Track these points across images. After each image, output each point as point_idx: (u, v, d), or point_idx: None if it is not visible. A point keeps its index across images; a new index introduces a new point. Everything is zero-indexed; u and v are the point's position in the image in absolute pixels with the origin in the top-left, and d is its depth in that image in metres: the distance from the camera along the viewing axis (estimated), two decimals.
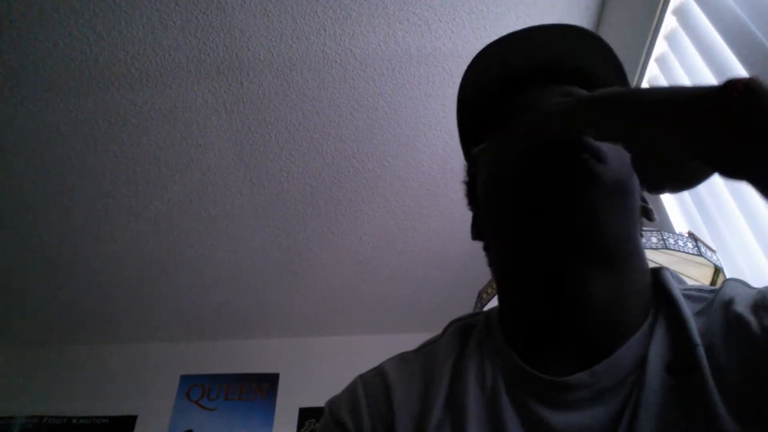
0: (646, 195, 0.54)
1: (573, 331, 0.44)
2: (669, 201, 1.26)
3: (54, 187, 1.96)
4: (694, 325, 0.41)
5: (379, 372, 0.52)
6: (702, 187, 1.08)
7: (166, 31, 1.55)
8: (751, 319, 0.39)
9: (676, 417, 0.37)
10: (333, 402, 0.52)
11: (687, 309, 0.43)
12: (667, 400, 0.38)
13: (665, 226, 1.22)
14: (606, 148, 0.44)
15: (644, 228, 1.02)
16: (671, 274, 0.50)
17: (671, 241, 0.91)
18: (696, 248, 0.93)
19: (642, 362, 0.41)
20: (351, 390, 0.51)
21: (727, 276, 0.97)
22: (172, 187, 2.01)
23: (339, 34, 1.60)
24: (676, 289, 0.46)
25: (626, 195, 0.45)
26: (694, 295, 0.47)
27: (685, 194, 1.17)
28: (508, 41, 0.53)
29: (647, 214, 0.51)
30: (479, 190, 0.54)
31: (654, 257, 1.05)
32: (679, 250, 0.91)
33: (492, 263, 0.53)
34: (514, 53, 0.53)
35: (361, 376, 0.53)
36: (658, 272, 0.50)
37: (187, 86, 1.70)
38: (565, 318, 0.45)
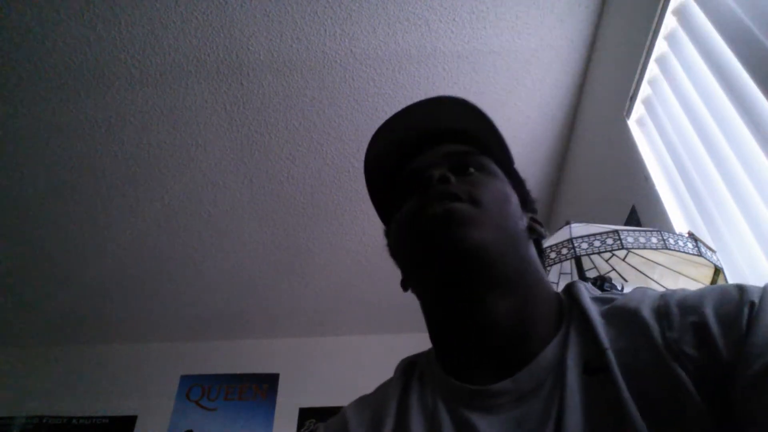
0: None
1: (489, 347, 0.49)
2: (669, 201, 1.26)
3: (54, 187, 1.96)
4: (602, 329, 0.45)
5: (340, 415, 0.58)
6: (702, 187, 1.09)
7: (166, 31, 1.56)
8: (654, 325, 0.43)
9: (596, 414, 0.40)
10: None
11: (595, 315, 0.47)
12: (587, 399, 0.42)
13: (665, 226, 1.22)
14: (482, 192, 0.51)
15: (645, 228, 1.02)
16: (584, 285, 0.54)
17: (671, 241, 0.91)
18: (696, 248, 0.93)
19: (559, 366, 0.45)
20: None
21: (728, 276, 0.97)
22: (172, 187, 2.01)
23: (339, 34, 1.60)
24: (586, 298, 0.51)
25: (503, 226, 0.51)
26: (604, 297, 0.51)
27: (685, 194, 1.17)
28: (396, 119, 0.59)
29: (536, 234, 0.57)
30: (393, 251, 0.62)
31: (654, 257, 1.05)
32: (679, 250, 0.91)
33: (414, 289, 0.60)
34: (400, 128, 0.60)
35: (325, 422, 0.59)
36: (570, 285, 0.55)
37: (187, 86, 1.70)
38: (478, 338, 0.50)
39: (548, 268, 1.02)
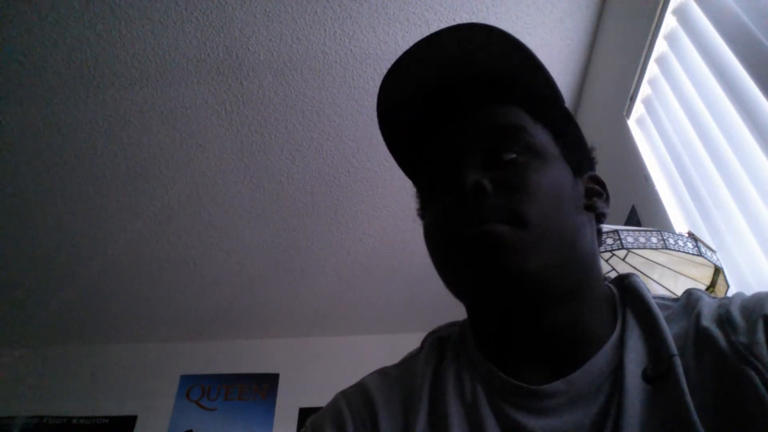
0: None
1: (541, 349, 0.45)
2: (669, 201, 1.26)
3: (54, 187, 1.96)
4: (670, 335, 0.42)
5: (360, 387, 0.52)
6: (702, 187, 1.09)
7: (166, 31, 1.55)
8: (718, 333, 0.40)
9: (655, 423, 0.38)
10: (315, 419, 0.51)
11: (663, 319, 0.44)
12: (646, 406, 0.39)
13: (665, 226, 1.22)
14: (528, 201, 0.42)
15: (645, 228, 1.01)
16: (641, 281, 0.50)
17: (671, 241, 0.91)
18: (696, 248, 0.93)
19: (617, 369, 0.42)
20: (334, 406, 0.51)
21: (728, 276, 0.97)
22: (172, 187, 2.01)
23: (339, 34, 1.60)
24: (651, 299, 0.46)
25: (558, 238, 0.43)
26: (661, 303, 0.47)
27: (685, 194, 1.17)
28: (410, 56, 0.49)
29: (595, 210, 0.49)
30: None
31: (654, 257, 1.05)
32: (679, 250, 0.91)
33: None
34: (422, 68, 0.49)
35: (343, 392, 0.53)
36: (625, 278, 0.50)
37: (187, 86, 1.70)
38: (529, 342, 0.46)
39: (603, 244, 0.93)
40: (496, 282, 0.42)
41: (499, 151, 0.46)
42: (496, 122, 0.47)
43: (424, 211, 0.51)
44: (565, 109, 0.52)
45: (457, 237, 0.43)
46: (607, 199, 0.51)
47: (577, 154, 0.50)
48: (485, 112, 0.48)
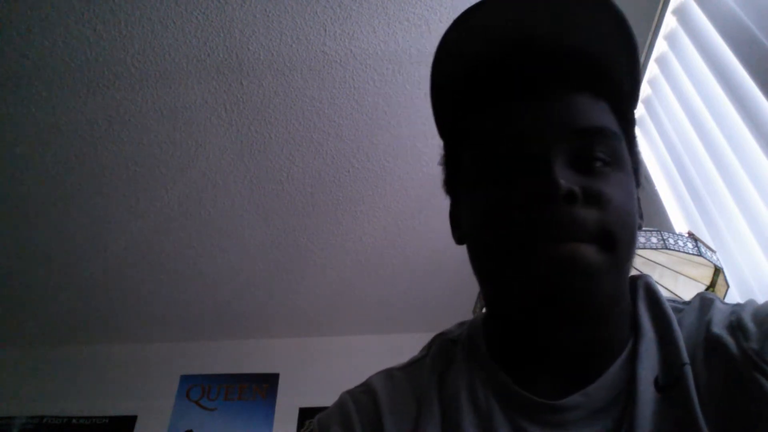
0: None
1: (560, 360, 0.44)
2: (669, 201, 1.26)
3: (54, 187, 1.96)
4: (683, 342, 0.42)
5: (367, 388, 0.51)
6: (702, 187, 1.09)
7: (166, 31, 1.55)
8: (729, 340, 0.39)
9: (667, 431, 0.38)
10: (322, 418, 0.51)
11: (677, 324, 0.43)
12: (657, 416, 0.38)
13: (665, 226, 1.22)
14: (615, 219, 0.39)
15: (645, 228, 1.01)
16: (654, 282, 0.49)
17: (671, 241, 0.91)
18: (696, 248, 0.93)
19: (631, 379, 0.41)
20: (340, 405, 0.51)
21: (728, 276, 0.97)
22: (172, 187, 2.01)
23: (339, 34, 1.60)
24: (666, 303, 0.46)
25: (629, 260, 0.41)
26: (673, 306, 0.46)
27: (685, 194, 1.17)
28: (496, 12, 0.42)
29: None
30: (463, 212, 0.47)
31: (654, 257, 1.05)
32: (679, 250, 0.91)
33: (477, 278, 0.47)
34: (502, 33, 0.42)
35: (349, 392, 0.52)
36: (638, 279, 0.49)
37: (187, 86, 1.70)
38: (552, 356, 0.44)
39: None
40: (560, 304, 0.39)
41: (588, 155, 0.41)
42: (590, 121, 0.41)
43: (461, 188, 0.46)
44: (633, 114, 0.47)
45: (530, 248, 0.38)
46: (641, 216, 0.48)
47: (640, 166, 0.47)
48: (574, 102, 0.41)
